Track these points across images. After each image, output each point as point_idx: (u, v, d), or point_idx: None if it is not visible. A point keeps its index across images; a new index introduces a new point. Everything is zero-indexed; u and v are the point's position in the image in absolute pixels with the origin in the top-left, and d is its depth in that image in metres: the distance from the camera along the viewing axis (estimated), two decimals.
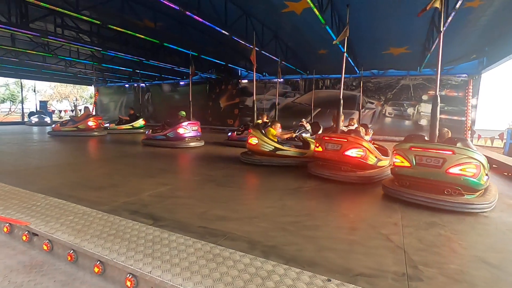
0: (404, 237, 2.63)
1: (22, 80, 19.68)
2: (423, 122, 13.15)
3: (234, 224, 2.81)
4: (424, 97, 13.00)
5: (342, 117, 5.71)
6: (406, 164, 3.72)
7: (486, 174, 3.50)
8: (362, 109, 14.31)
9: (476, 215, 3.27)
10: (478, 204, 3.31)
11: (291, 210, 3.28)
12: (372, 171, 4.88)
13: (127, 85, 23.00)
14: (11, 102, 36.12)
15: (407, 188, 3.73)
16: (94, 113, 15.26)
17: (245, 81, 17.51)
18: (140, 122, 14.44)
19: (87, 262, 2.12)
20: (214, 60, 13.47)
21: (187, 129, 9.01)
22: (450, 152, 3.43)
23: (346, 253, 2.29)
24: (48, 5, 6.82)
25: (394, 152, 3.95)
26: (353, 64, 11.64)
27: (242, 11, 8.59)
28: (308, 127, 8.41)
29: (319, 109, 15.38)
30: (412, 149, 3.71)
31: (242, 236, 2.53)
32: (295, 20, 8.90)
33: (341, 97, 5.49)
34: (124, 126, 14.10)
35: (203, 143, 9.36)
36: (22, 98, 16.91)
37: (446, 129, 4.13)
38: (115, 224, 2.53)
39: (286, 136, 6.60)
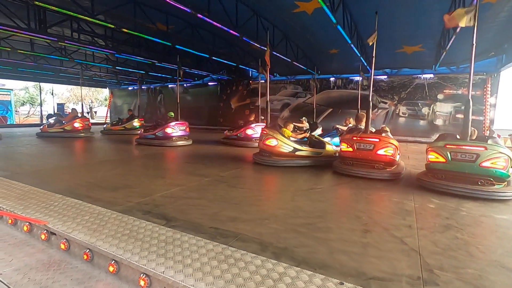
0: (419, 240, 2.56)
1: (40, 83, 20.37)
2: (439, 122, 12.79)
3: (246, 225, 2.82)
4: (440, 96, 12.65)
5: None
6: (442, 159, 4.31)
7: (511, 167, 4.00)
8: (374, 109, 14.08)
9: (494, 214, 3.16)
10: (507, 192, 3.87)
11: (303, 212, 3.25)
12: (397, 166, 5.36)
13: (136, 87, 23.42)
14: (31, 105, 37.45)
15: (442, 180, 4.25)
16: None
17: (262, 81, 17.53)
18: (134, 123, 14.50)
19: (102, 261, 2.17)
20: (225, 61, 13.55)
21: (175, 129, 9.67)
22: (483, 148, 3.99)
23: (359, 256, 2.25)
24: (65, 11, 7.04)
25: (429, 149, 4.56)
26: (365, 63, 11.46)
27: (252, 12, 8.61)
28: (307, 126, 8.63)
29: (331, 109, 15.23)
30: (447, 146, 4.29)
31: (254, 238, 2.53)
32: (306, 20, 8.85)
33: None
34: (118, 127, 14.32)
35: (190, 142, 9.86)
36: (41, 101, 17.51)
37: (473, 128, 4.53)
38: (129, 224, 2.58)
39: (300, 136, 6.70)
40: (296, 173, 5.41)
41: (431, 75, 12.69)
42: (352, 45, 8.86)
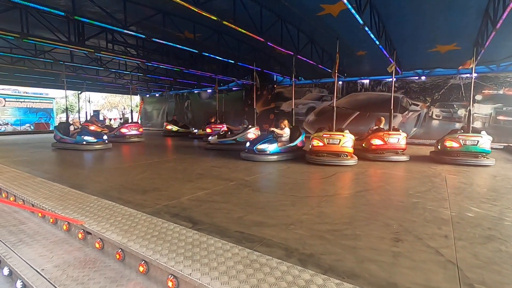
0: (457, 251, 2.39)
1: (79, 92, 21.90)
2: (477, 124, 11.94)
3: (271, 230, 2.80)
4: (478, 97, 11.83)
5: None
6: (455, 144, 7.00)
7: None
8: (405, 111, 13.53)
9: None
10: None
11: (329, 218, 3.18)
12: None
13: (170, 93, 24.30)
14: (70, 112, 40.31)
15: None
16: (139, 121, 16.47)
17: (287, 84, 17.49)
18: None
19: (133, 261, 2.26)
20: (250, 66, 13.71)
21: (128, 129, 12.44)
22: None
23: (390, 266, 2.15)
24: (101, 24, 7.54)
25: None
26: (394, 64, 11.03)
27: (277, 17, 8.65)
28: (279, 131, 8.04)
29: (358, 112, 14.80)
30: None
31: (279, 243, 2.51)
32: (332, 23, 8.73)
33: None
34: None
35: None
36: (79, 108, 18.79)
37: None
38: (158, 226, 2.66)
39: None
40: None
41: (468, 75, 11.92)
42: (380, 46, 8.58)
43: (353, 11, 6.11)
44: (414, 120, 13.25)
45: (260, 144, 7.39)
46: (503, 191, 4.43)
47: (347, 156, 6.85)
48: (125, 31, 8.08)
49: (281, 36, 8.97)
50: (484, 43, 7.66)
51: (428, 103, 12.98)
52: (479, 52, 8.51)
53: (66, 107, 11.29)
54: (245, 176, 5.41)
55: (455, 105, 12.36)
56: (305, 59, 10.76)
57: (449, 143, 7.09)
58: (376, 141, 7.60)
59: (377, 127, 8.47)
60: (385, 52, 9.24)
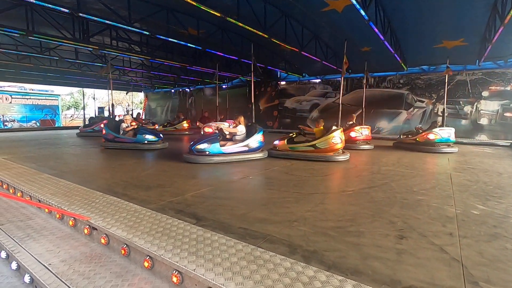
0: (462, 249, 2.38)
1: (83, 89, 22.08)
2: (484, 121, 11.79)
3: (274, 227, 2.81)
4: (485, 94, 11.67)
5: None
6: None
7: None
8: (410, 108, 13.41)
9: None
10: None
11: (332, 215, 3.17)
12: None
13: (172, 91, 24.36)
14: (75, 109, 40.62)
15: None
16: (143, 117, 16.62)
17: (291, 81, 17.41)
18: (184, 125, 15.07)
19: (138, 256, 2.28)
20: (249, 61, 13.66)
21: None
22: None
23: (394, 263, 2.15)
24: (105, 21, 7.56)
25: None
26: (400, 60, 10.92)
27: (281, 13, 8.59)
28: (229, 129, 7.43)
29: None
30: None
31: (282, 240, 2.51)
32: (336, 19, 8.66)
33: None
34: (170, 129, 15.03)
35: None
36: (84, 105, 18.94)
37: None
38: (162, 222, 2.69)
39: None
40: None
41: (474, 71, 11.76)
42: (385, 42, 8.49)
43: (358, 6, 6.05)
44: (420, 116, 13.13)
45: (199, 143, 6.52)
46: (509, 189, 4.38)
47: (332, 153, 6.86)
48: (129, 28, 8.09)
49: (285, 32, 8.92)
50: (491, 38, 7.53)
51: (434, 100, 12.84)
52: (486, 47, 8.38)
53: (112, 104, 10.12)
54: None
55: (461, 102, 12.21)
56: (309, 55, 10.68)
57: (432, 136, 8.56)
58: (353, 134, 9.25)
59: (351, 122, 10.08)
60: (390, 48, 9.14)
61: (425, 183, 4.72)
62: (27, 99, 22.13)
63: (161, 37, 9.28)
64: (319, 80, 16.22)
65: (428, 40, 9.83)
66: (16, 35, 8.40)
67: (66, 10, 6.92)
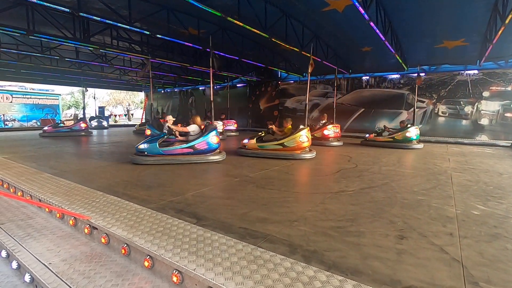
0: (462, 249, 2.38)
1: (84, 88, 22.13)
2: (484, 121, 11.79)
3: (274, 226, 2.81)
4: (485, 94, 11.66)
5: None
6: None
7: None
8: (410, 108, 13.38)
9: None
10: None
11: (333, 215, 3.17)
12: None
13: (170, 90, 24.35)
14: (75, 108, 40.66)
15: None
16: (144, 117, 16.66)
17: (291, 82, 17.40)
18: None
19: (138, 256, 2.28)
20: (254, 62, 13.66)
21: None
22: None
23: (394, 263, 2.15)
24: (106, 20, 7.56)
25: None
26: (400, 61, 10.91)
27: (282, 12, 8.59)
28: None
29: (363, 109, 14.69)
30: None
31: (282, 239, 2.51)
32: (337, 18, 8.65)
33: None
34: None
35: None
36: (84, 105, 18.96)
37: None
38: (163, 221, 2.69)
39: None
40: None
41: (475, 71, 11.74)
42: (386, 42, 8.49)
43: (358, 6, 6.04)
44: (420, 117, 13.12)
45: (141, 143, 6.31)
46: (510, 189, 4.38)
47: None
48: (130, 27, 8.09)
49: (285, 32, 8.91)
50: (492, 38, 7.52)
51: (434, 100, 12.83)
52: (487, 47, 8.37)
53: (151, 104, 9.87)
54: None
55: (461, 102, 12.20)
56: (309, 55, 10.66)
57: (409, 134, 9.46)
58: (326, 132, 10.32)
59: (324, 121, 10.85)
60: (390, 48, 9.13)
61: (426, 183, 4.72)
62: (28, 98, 22.14)
63: (162, 36, 9.28)
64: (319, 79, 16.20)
65: (429, 40, 9.83)
66: (17, 34, 8.40)
67: (67, 10, 6.92)
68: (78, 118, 14.76)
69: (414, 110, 10.59)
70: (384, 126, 10.75)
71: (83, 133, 13.84)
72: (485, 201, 3.72)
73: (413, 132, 9.50)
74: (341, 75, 14.98)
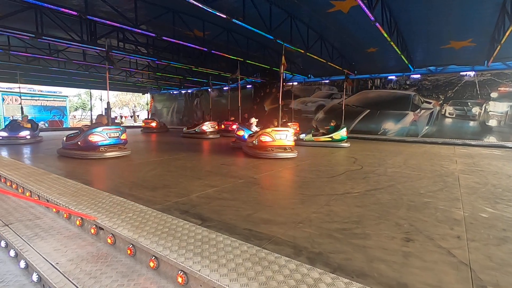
0: (470, 252, 2.34)
1: (91, 90, 22.39)
2: (493, 122, 11.60)
3: (279, 228, 2.81)
4: (494, 95, 11.49)
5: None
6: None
7: None
8: (417, 109, 13.27)
9: None
10: None
11: (338, 217, 3.16)
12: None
13: (175, 91, 24.49)
14: (82, 110, 41.16)
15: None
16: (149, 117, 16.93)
17: (295, 83, 17.42)
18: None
19: (144, 256, 2.29)
20: (259, 64, 13.68)
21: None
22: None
23: (400, 266, 2.12)
24: (112, 23, 7.65)
25: None
26: (406, 61, 10.82)
27: (287, 14, 8.59)
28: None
29: (369, 110, 14.59)
30: None
31: (287, 241, 2.51)
32: (342, 19, 8.63)
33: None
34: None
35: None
36: (91, 106, 19.20)
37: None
38: (168, 222, 2.70)
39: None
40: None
41: (483, 72, 11.59)
42: (392, 43, 8.43)
43: (364, 7, 6.01)
44: (426, 118, 12.98)
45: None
46: None
47: (290, 149, 7.65)
48: (136, 29, 8.18)
49: (290, 34, 8.91)
50: (500, 39, 7.42)
51: (441, 101, 12.69)
52: (495, 48, 8.26)
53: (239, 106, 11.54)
54: None
55: (469, 103, 12.05)
56: (314, 56, 10.65)
57: (343, 133, 10.40)
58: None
59: (284, 120, 10.93)
60: (396, 49, 9.07)
61: (433, 185, 4.66)
62: (36, 100, 22.48)
63: (167, 39, 9.36)
64: (327, 81, 16.15)
65: (435, 41, 9.73)
66: (25, 37, 8.54)
67: (75, 13, 7.02)
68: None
69: (343, 110, 11.51)
70: (316, 126, 11.92)
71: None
72: (493, 204, 3.66)
73: (343, 132, 10.56)
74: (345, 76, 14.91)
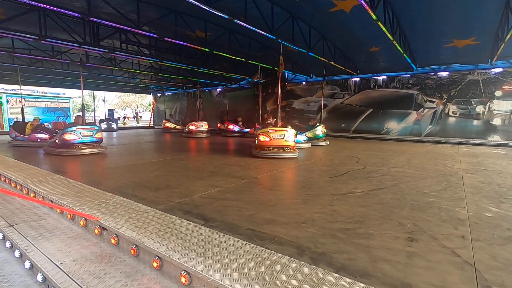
0: (475, 252, 2.33)
1: (94, 91, 22.51)
2: (497, 121, 11.51)
3: (282, 228, 2.80)
4: (498, 93, 11.39)
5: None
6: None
7: None
8: (420, 108, 13.21)
9: None
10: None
11: (341, 216, 3.15)
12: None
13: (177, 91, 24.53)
14: (86, 111, 41.43)
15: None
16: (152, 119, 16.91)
17: (298, 83, 17.40)
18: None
19: (147, 257, 2.30)
20: (261, 64, 13.67)
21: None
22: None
23: (404, 266, 2.11)
24: (115, 24, 7.69)
25: None
26: (409, 60, 10.77)
27: (288, 14, 8.58)
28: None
29: (371, 109, 14.54)
30: None
31: (290, 241, 2.50)
32: (344, 19, 8.60)
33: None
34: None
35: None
36: (94, 107, 19.30)
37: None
38: (171, 223, 2.71)
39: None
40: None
41: (487, 70, 11.51)
42: (394, 42, 8.39)
43: (366, 6, 5.99)
44: (430, 117, 12.91)
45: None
46: None
47: (290, 149, 7.64)
48: (138, 31, 8.21)
49: (292, 34, 8.90)
50: (504, 37, 7.36)
51: (445, 100, 12.61)
52: (499, 46, 8.20)
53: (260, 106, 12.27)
54: None
55: (473, 102, 11.96)
56: (316, 56, 10.63)
57: (318, 132, 10.69)
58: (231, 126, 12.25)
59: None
60: (399, 48, 9.03)
61: (436, 184, 4.63)
62: (40, 101, 22.64)
63: (169, 39, 9.38)
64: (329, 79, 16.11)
65: (438, 40, 9.68)
66: (29, 39, 8.61)
67: (78, 15, 7.06)
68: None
69: (322, 110, 11.99)
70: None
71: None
72: (498, 203, 3.63)
73: (319, 130, 10.65)
74: (349, 75, 14.87)
